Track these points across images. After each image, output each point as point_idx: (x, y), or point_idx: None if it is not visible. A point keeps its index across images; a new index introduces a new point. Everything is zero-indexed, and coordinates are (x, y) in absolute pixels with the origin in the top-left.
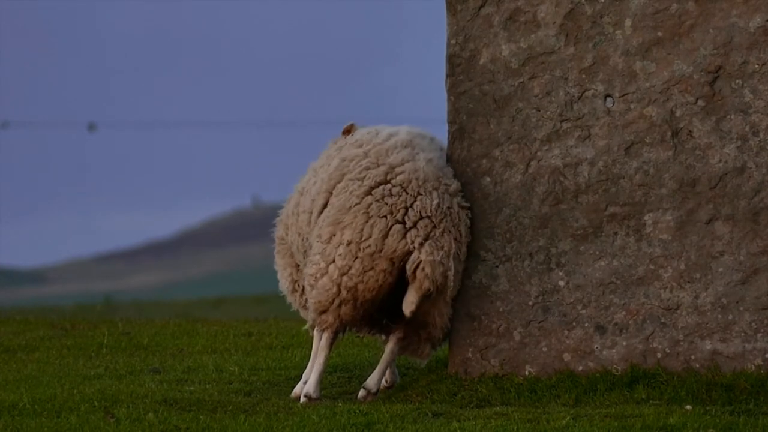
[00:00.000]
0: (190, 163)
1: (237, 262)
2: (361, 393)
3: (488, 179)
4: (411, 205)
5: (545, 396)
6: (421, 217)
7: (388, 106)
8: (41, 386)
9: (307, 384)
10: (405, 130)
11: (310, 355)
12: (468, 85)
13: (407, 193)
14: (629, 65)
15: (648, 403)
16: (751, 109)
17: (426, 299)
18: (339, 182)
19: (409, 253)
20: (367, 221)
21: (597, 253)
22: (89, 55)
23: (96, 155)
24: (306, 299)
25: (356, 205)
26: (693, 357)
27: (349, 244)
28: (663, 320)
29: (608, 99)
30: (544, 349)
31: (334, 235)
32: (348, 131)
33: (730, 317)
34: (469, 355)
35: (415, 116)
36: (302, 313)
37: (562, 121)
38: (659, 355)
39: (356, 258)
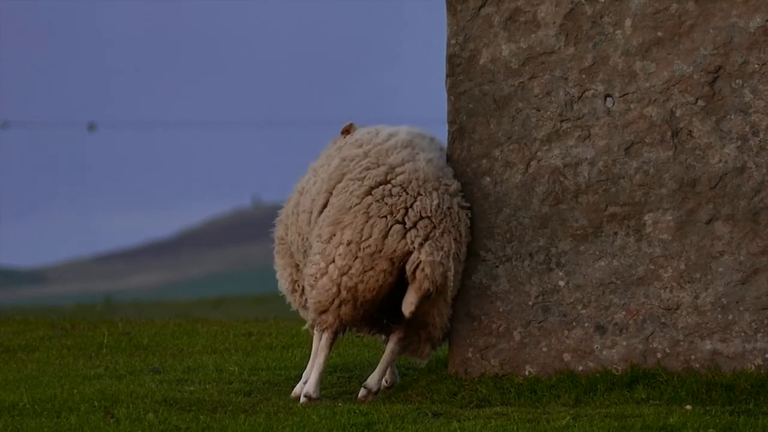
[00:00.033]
0: (190, 163)
1: (237, 262)
2: (362, 392)
3: (488, 179)
4: (411, 206)
5: (545, 396)
6: (421, 218)
7: (388, 106)
8: (41, 386)
9: (307, 384)
10: (405, 130)
11: (310, 355)
12: (468, 85)
13: (407, 194)
14: (629, 65)
15: (648, 403)
16: (751, 109)
17: (426, 299)
18: (339, 182)
19: (409, 253)
20: (367, 221)
21: (597, 253)
22: (89, 55)
23: (96, 155)
24: (306, 299)
25: (356, 205)
26: (693, 357)
27: (349, 244)
28: (663, 320)
29: (608, 99)
30: (544, 349)
31: (334, 235)
32: (347, 131)
33: (730, 317)
34: (469, 355)
35: (415, 116)
36: (302, 313)
37: (562, 121)
38: (659, 355)
39: (356, 258)
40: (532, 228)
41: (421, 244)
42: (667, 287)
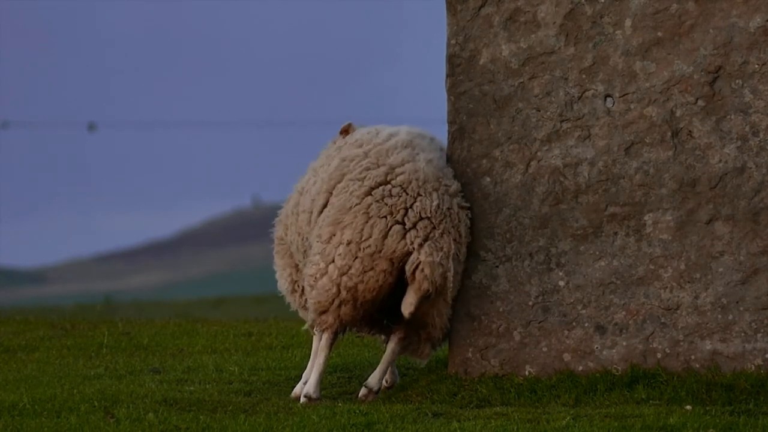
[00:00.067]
0: (190, 163)
1: (237, 262)
2: (362, 391)
3: (488, 179)
4: (411, 206)
5: (545, 396)
6: (421, 218)
7: (388, 106)
8: (41, 386)
9: (307, 384)
10: (405, 131)
11: (310, 355)
12: (468, 85)
13: (407, 194)
14: (629, 65)
15: (648, 403)
16: (751, 109)
17: (425, 300)
18: (339, 182)
19: (409, 253)
20: (367, 221)
21: (597, 253)
22: (89, 55)
23: (96, 155)
24: (305, 299)
25: (356, 205)
26: (693, 357)
27: (348, 244)
28: (663, 320)
29: (608, 99)
30: (544, 349)
31: (334, 235)
32: (346, 131)
33: (730, 317)
34: (469, 355)
35: (415, 116)
36: (301, 314)
37: (562, 121)
38: (659, 355)
39: (356, 258)
40: (532, 228)
41: (420, 245)
42: (667, 287)
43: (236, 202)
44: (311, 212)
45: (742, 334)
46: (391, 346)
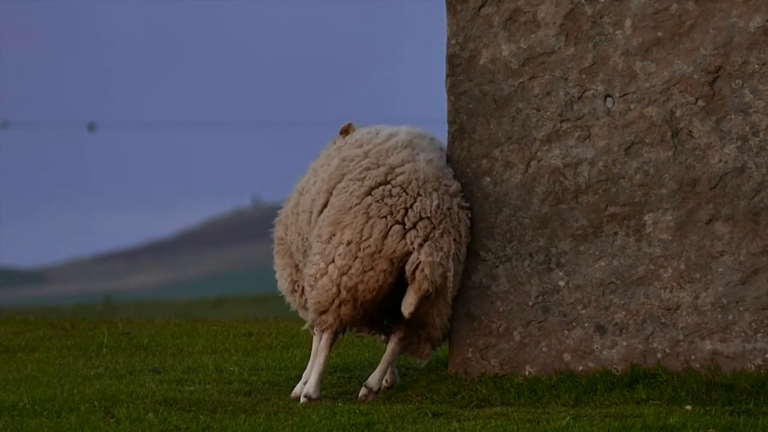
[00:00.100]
0: (190, 163)
1: (237, 262)
2: (363, 391)
3: (488, 179)
4: (411, 206)
5: (545, 396)
6: (421, 218)
7: (388, 106)
8: (41, 386)
9: (307, 384)
10: (405, 131)
11: (310, 355)
12: (468, 85)
13: (407, 194)
14: (629, 65)
15: (648, 403)
16: (751, 109)
17: (425, 300)
18: (339, 182)
19: (409, 253)
20: (367, 221)
21: (597, 253)
22: (89, 55)
23: (96, 155)
24: (305, 299)
25: (356, 205)
26: (693, 357)
27: (348, 244)
28: (663, 320)
29: (608, 99)
30: (544, 349)
31: (334, 235)
32: (345, 131)
33: (730, 317)
34: (469, 355)
35: (415, 116)
36: (301, 314)
37: (562, 121)
38: (659, 355)
39: (356, 258)
40: (532, 228)
41: (420, 245)
42: (667, 287)
43: (236, 202)
44: (311, 212)
45: (742, 334)
46: (391, 346)
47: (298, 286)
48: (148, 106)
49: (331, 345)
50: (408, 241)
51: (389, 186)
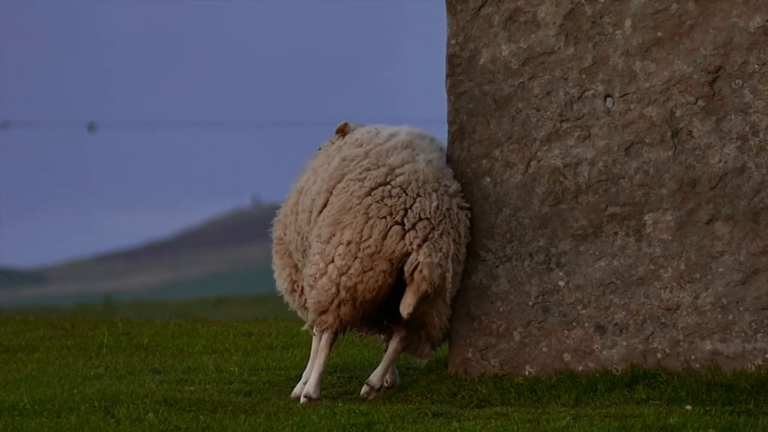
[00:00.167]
0: (190, 163)
1: (237, 262)
2: (364, 389)
3: (488, 179)
4: (410, 207)
5: (545, 396)
6: (420, 219)
7: (388, 106)
8: (41, 386)
9: (307, 384)
10: (405, 131)
11: (310, 355)
12: (468, 85)
13: (407, 195)
14: (629, 65)
15: (648, 403)
16: (751, 109)
17: (424, 300)
18: (339, 182)
19: (408, 254)
20: (366, 222)
21: (597, 253)
22: (89, 55)
23: (96, 155)
24: (305, 299)
25: (356, 205)
26: (693, 357)
27: (348, 244)
28: (663, 320)
29: (608, 99)
30: (544, 349)
31: (334, 235)
32: (341, 130)
33: (730, 317)
34: (469, 355)
35: (415, 116)
36: (300, 314)
37: (562, 121)
38: (659, 355)
39: (356, 258)
40: (532, 228)
41: (419, 246)
42: (667, 287)
43: (236, 202)
44: (311, 211)
45: (742, 334)
46: (393, 345)
47: (297, 285)
48: (148, 106)
49: (331, 345)
50: (407, 242)
51: (389, 187)
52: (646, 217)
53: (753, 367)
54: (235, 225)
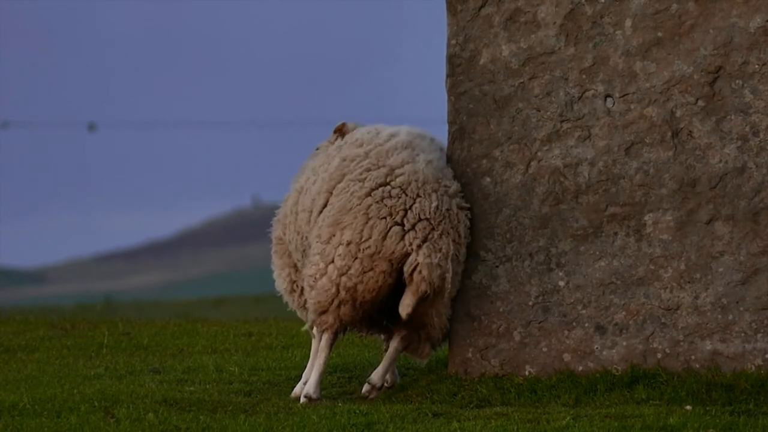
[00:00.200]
0: (190, 163)
1: (237, 262)
2: (366, 387)
3: (488, 179)
4: (410, 207)
5: (545, 396)
6: (420, 219)
7: (388, 106)
8: (41, 386)
9: (307, 384)
10: (405, 131)
11: (310, 355)
12: (468, 85)
13: (406, 195)
14: (629, 65)
15: (648, 403)
16: (751, 110)
17: (423, 301)
18: (339, 182)
19: (408, 254)
20: (366, 222)
21: (597, 253)
22: (89, 55)
23: (96, 155)
24: (304, 299)
25: (357, 206)
26: (693, 357)
27: (348, 244)
28: (663, 320)
29: (608, 99)
30: (544, 349)
31: (334, 236)
32: (339, 130)
33: (730, 317)
34: (469, 355)
35: (415, 116)
36: (300, 314)
37: (562, 121)
38: (659, 356)
39: (356, 259)
40: (532, 228)
41: (419, 246)
42: (667, 287)
43: (236, 202)
44: (311, 211)
45: (742, 335)
46: (394, 344)
47: (297, 285)
48: (148, 106)
49: (331, 345)
50: (407, 242)
51: (389, 187)
52: (646, 217)
53: (753, 367)
54: (235, 225)
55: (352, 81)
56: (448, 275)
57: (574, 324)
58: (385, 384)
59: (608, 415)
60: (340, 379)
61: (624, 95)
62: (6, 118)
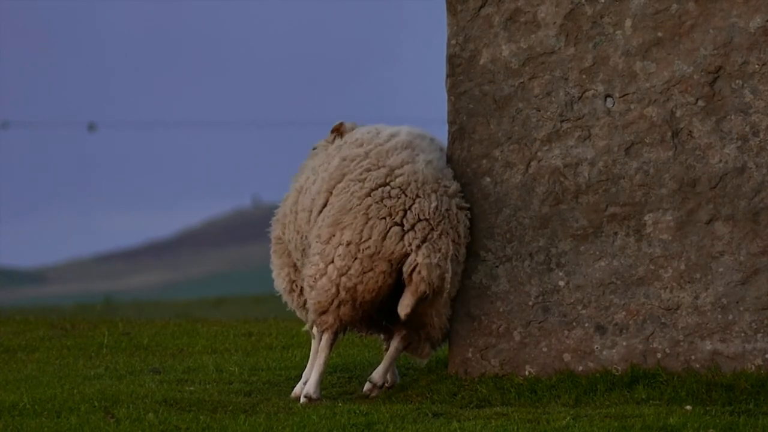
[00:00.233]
0: (190, 163)
1: (237, 262)
2: (367, 386)
3: (488, 179)
4: (409, 208)
5: (545, 396)
6: (419, 220)
7: (388, 106)
8: (41, 386)
9: (307, 384)
10: (405, 131)
11: (309, 355)
12: (468, 85)
13: (406, 196)
14: (629, 65)
15: (648, 403)
16: (751, 110)
17: (422, 301)
18: (339, 182)
19: (407, 255)
20: (366, 222)
21: (597, 253)
22: (89, 55)
23: (96, 155)
24: (304, 299)
25: (357, 206)
26: (693, 357)
27: (348, 244)
28: (663, 320)
29: (608, 99)
30: (544, 349)
31: (334, 236)
32: (337, 130)
33: (730, 317)
34: (469, 355)
35: (415, 116)
36: (299, 313)
37: (562, 121)
38: (659, 355)
39: (355, 259)
40: (532, 228)
41: (418, 246)
42: (667, 287)
43: (236, 202)
44: (311, 211)
45: (742, 335)
46: (394, 344)
47: (296, 285)
48: (148, 106)
49: (331, 345)
50: (406, 243)
51: (388, 188)
52: (646, 217)
53: (753, 367)
54: (235, 225)
55: (352, 81)
56: (448, 275)
57: (574, 324)
58: (386, 384)
59: (608, 415)
60: (340, 379)
61: (624, 95)
62: (6, 118)
